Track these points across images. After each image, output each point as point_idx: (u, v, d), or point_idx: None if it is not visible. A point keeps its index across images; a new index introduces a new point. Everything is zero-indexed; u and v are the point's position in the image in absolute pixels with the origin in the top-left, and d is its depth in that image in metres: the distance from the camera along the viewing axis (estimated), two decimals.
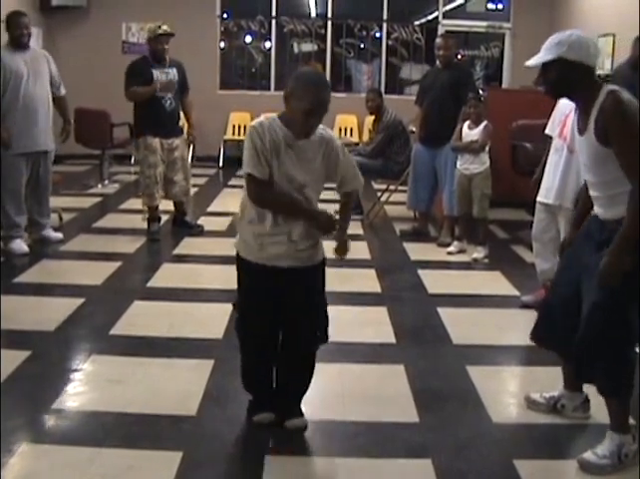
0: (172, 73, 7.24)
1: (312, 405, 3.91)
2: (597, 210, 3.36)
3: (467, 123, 6.83)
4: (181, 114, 7.58)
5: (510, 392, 4.29)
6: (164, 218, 7.86)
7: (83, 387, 4.09)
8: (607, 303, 3.20)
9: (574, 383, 3.73)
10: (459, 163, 6.91)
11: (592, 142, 3.18)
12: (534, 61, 3.26)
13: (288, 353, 3.62)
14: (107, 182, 10.38)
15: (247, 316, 3.54)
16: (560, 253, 3.88)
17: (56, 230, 7.20)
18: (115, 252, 6.79)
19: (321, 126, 3.36)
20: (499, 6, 13.28)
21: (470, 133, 6.79)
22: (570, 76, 3.20)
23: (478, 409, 3.90)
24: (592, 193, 3.36)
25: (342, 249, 3.56)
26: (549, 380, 3.90)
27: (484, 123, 6.76)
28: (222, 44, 13.33)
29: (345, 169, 3.42)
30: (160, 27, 7.17)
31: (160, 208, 7.57)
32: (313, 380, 4.17)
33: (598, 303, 3.21)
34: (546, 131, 5.26)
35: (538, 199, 5.19)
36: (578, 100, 3.31)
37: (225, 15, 13.16)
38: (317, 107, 3.21)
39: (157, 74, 7.13)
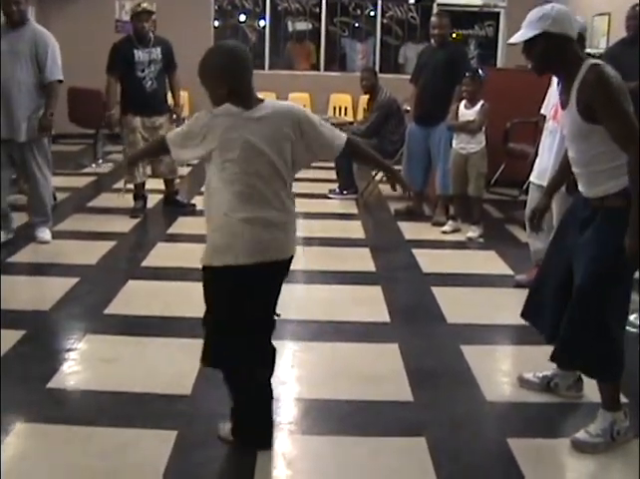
0: (156, 53, 7.28)
1: (306, 384, 3.95)
2: (580, 187, 3.36)
3: (463, 102, 6.82)
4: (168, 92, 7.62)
5: (504, 371, 4.31)
6: (159, 197, 7.87)
7: (78, 367, 4.09)
8: (594, 285, 3.20)
9: None
10: (455, 142, 6.90)
11: (574, 116, 3.17)
12: (519, 38, 3.23)
13: None
14: (101, 161, 10.35)
15: None
16: (529, 222, 3.90)
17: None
18: (109, 232, 6.78)
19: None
20: None
21: (466, 112, 6.78)
22: (556, 49, 3.18)
23: (471, 388, 3.93)
24: (575, 169, 3.35)
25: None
26: (543, 359, 3.84)
27: (481, 102, 6.74)
28: (216, 23, 13.26)
29: None
30: (139, 5, 7.20)
31: (152, 187, 7.61)
32: (306, 358, 4.22)
33: (585, 285, 3.22)
34: (542, 110, 5.25)
35: (532, 179, 5.19)
36: (562, 74, 3.29)
37: None
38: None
39: (138, 54, 7.18)
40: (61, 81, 6.25)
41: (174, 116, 7.57)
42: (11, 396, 3.61)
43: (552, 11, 3.18)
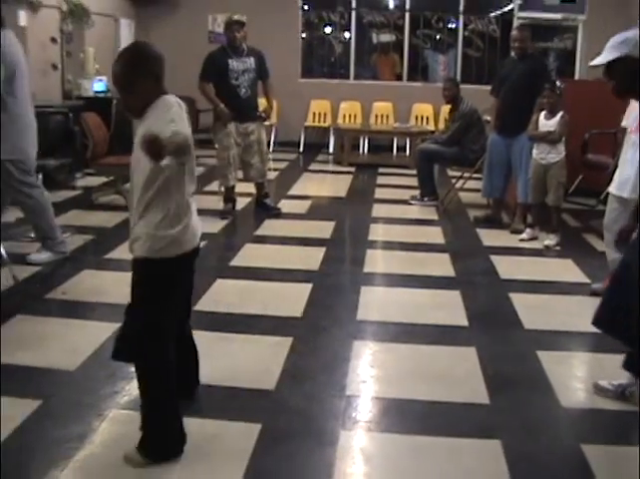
0: (249, 62, 7.54)
1: (385, 383, 4.04)
2: None
3: (543, 113, 6.86)
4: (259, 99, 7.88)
5: (579, 378, 4.32)
6: (247, 200, 8.13)
7: None
8: None
9: None
10: (535, 152, 6.94)
11: None
12: (600, 60, 3.25)
13: None
14: None
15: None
16: (617, 242, 3.90)
17: None
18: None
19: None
20: None
21: (546, 123, 6.82)
22: (637, 73, 3.19)
23: (547, 393, 3.94)
24: None
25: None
26: (617, 368, 3.87)
27: (561, 113, 6.77)
28: (304, 34, 13.58)
29: None
30: (231, 17, 7.49)
31: (242, 190, 7.93)
32: (385, 358, 4.32)
33: None
34: (623, 123, 5.25)
35: (611, 190, 5.18)
36: None
37: (306, 7, 13.44)
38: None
39: (232, 63, 7.45)
40: None
41: (264, 114, 7.81)
42: (107, 384, 3.83)
43: (635, 36, 3.19)
